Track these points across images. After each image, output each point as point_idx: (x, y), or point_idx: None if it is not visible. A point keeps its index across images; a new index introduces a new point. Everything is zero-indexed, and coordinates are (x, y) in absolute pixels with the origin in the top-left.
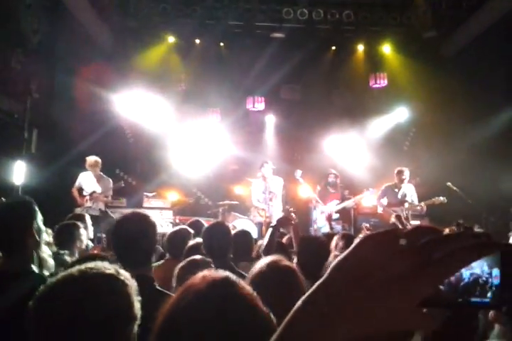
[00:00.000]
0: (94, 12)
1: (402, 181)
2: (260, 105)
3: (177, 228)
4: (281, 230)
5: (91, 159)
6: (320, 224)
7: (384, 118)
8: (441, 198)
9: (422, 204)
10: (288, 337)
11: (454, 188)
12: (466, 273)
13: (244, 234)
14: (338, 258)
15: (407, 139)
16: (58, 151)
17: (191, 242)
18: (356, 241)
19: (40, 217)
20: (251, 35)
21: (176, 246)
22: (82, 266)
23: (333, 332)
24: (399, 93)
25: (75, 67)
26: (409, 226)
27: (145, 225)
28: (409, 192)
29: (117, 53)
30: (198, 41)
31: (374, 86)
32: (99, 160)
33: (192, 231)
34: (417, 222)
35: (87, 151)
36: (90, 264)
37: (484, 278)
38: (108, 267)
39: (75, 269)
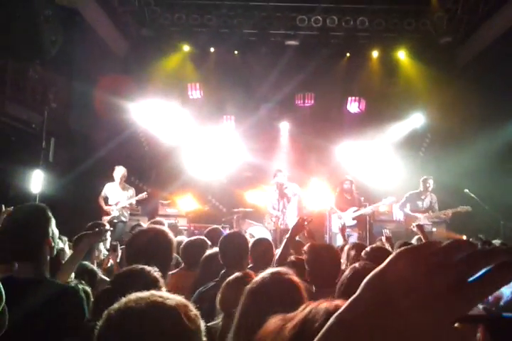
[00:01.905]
0: (110, 22)
1: (427, 189)
2: (275, 112)
3: (193, 238)
4: (298, 239)
5: (120, 169)
6: (336, 231)
7: (399, 125)
8: (467, 207)
9: (449, 211)
10: None
11: (472, 195)
12: (506, 291)
13: (264, 242)
14: (372, 273)
15: (422, 145)
16: (75, 160)
17: (208, 252)
18: (391, 256)
19: (54, 223)
20: (265, 43)
21: (191, 257)
22: (148, 297)
23: None
24: (414, 99)
25: (92, 77)
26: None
27: (160, 240)
28: (433, 200)
29: (133, 62)
30: (212, 50)
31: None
32: (125, 171)
33: (209, 242)
34: (434, 229)
35: (104, 160)
36: (159, 294)
37: None
38: (178, 301)
39: (139, 299)
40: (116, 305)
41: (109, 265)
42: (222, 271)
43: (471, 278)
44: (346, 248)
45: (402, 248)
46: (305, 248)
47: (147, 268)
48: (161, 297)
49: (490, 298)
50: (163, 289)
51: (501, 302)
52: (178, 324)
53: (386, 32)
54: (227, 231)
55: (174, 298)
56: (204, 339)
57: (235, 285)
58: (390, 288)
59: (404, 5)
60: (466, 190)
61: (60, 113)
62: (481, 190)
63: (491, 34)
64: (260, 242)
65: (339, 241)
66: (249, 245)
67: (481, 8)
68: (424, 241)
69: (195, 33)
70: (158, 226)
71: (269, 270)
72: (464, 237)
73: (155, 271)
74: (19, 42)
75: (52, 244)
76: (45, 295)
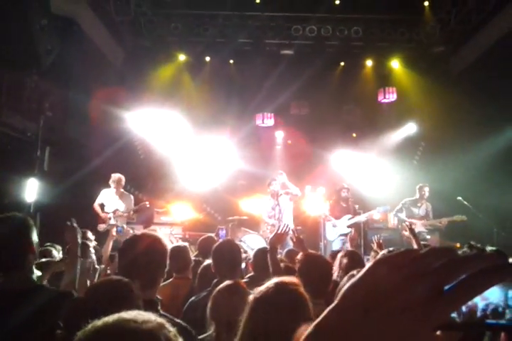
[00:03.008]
0: (107, 32)
1: (423, 197)
2: (269, 121)
3: (174, 245)
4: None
5: (116, 176)
6: (330, 238)
7: (393, 133)
8: (462, 216)
9: (444, 220)
10: None
11: (465, 203)
12: (481, 303)
13: (265, 251)
14: (350, 282)
15: (416, 154)
16: (70, 169)
17: (207, 262)
18: (368, 265)
19: (35, 231)
20: (260, 53)
21: (180, 263)
22: (122, 318)
23: None
24: (408, 108)
25: (88, 86)
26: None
27: (153, 249)
28: (429, 208)
29: (130, 72)
30: (208, 59)
31: (383, 101)
32: (123, 178)
33: (187, 245)
34: (428, 237)
35: (99, 169)
36: (130, 315)
37: (502, 307)
38: (155, 323)
39: (111, 321)
40: (80, 335)
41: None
42: (215, 280)
43: (448, 286)
44: (339, 255)
45: (379, 257)
46: (298, 257)
47: (124, 280)
48: (134, 321)
49: (464, 309)
50: (140, 302)
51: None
52: None
53: (380, 41)
54: (223, 232)
55: (149, 320)
56: None
57: (225, 293)
58: (367, 297)
59: (398, 15)
60: (459, 198)
61: (56, 122)
62: (474, 197)
63: (483, 43)
64: (262, 251)
65: (335, 248)
66: (251, 254)
67: (473, 17)
68: (415, 243)
69: (191, 43)
70: (152, 233)
71: (274, 279)
72: (458, 245)
73: (131, 282)
74: (15, 52)
75: (36, 252)
76: (43, 300)
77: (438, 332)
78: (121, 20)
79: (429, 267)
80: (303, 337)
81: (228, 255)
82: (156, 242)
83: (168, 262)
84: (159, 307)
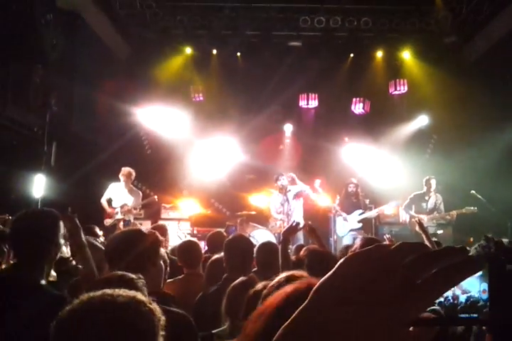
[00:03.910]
0: (112, 25)
1: (430, 189)
2: (278, 114)
3: (183, 241)
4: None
5: (126, 169)
6: (341, 234)
7: (404, 126)
8: (473, 208)
9: (454, 213)
10: None
11: (478, 196)
12: (462, 297)
13: (269, 246)
14: (322, 279)
15: (428, 147)
16: (77, 164)
17: (216, 256)
18: (340, 261)
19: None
20: (268, 45)
21: (190, 258)
22: (99, 296)
23: None
24: (419, 100)
25: (94, 80)
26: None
27: (130, 238)
28: (438, 200)
29: (135, 65)
30: (215, 52)
31: (394, 92)
32: (133, 172)
33: (196, 240)
34: (440, 231)
35: (106, 164)
36: (111, 292)
37: (476, 298)
38: (129, 297)
39: (97, 296)
40: (67, 307)
41: None
42: (225, 275)
43: (420, 280)
44: (351, 250)
45: (351, 253)
46: (303, 252)
47: (129, 275)
48: (111, 295)
49: (446, 302)
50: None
51: (458, 308)
52: (127, 323)
53: (390, 32)
54: (233, 229)
55: (127, 295)
56: (162, 333)
57: (241, 289)
58: (339, 293)
59: (408, 5)
60: (473, 191)
61: (62, 117)
62: (488, 190)
63: (496, 33)
64: (265, 246)
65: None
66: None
67: (485, 7)
68: (426, 239)
69: (198, 36)
70: (134, 228)
71: (284, 273)
72: (471, 239)
73: (138, 278)
74: (20, 47)
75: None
76: (38, 303)
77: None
78: (126, 13)
79: (401, 262)
80: (279, 332)
81: (240, 250)
82: (134, 232)
83: (163, 252)
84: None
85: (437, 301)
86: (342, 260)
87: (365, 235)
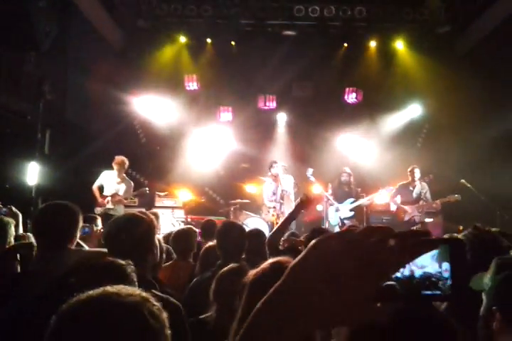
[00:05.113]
0: (106, 13)
1: (414, 179)
2: (272, 103)
3: (181, 228)
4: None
5: (119, 158)
6: (333, 222)
7: (397, 115)
8: (456, 195)
9: (438, 201)
10: (249, 336)
11: (468, 185)
12: (418, 271)
13: (255, 233)
14: (294, 261)
15: (420, 136)
16: (71, 152)
17: (209, 243)
18: (310, 243)
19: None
20: (262, 34)
21: (182, 246)
22: (106, 291)
23: (290, 330)
24: (412, 89)
25: (88, 68)
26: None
27: (138, 223)
28: (423, 189)
29: (129, 53)
30: (209, 40)
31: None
32: (127, 161)
33: (197, 230)
34: (430, 220)
35: (100, 151)
36: (115, 289)
37: (436, 277)
38: (138, 296)
39: (95, 294)
40: (64, 307)
41: None
42: (219, 262)
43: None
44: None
45: (322, 236)
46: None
47: (118, 261)
48: (117, 294)
49: (404, 277)
50: (135, 284)
51: (413, 281)
52: (142, 324)
53: (384, 22)
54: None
55: (133, 294)
56: (168, 332)
57: (229, 276)
58: (309, 273)
59: None
60: (463, 181)
61: (56, 104)
62: (478, 180)
63: (489, 23)
64: (252, 233)
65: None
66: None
67: None
68: None
69: (192, 24)
70: (133, 212)
71: (269, 260)
72: (461, 227)
73: (128, 264)
74: (13, 34)
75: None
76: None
77: (378, 304)
78: (120, 1)
79: (365, 242)
80: (255, 309)
81: (232, 237)
82: (138, 220)
83: (156, 240)
84: (157, 287)
85: (394, 276)
86: (313, 242)
87: (357, 224)
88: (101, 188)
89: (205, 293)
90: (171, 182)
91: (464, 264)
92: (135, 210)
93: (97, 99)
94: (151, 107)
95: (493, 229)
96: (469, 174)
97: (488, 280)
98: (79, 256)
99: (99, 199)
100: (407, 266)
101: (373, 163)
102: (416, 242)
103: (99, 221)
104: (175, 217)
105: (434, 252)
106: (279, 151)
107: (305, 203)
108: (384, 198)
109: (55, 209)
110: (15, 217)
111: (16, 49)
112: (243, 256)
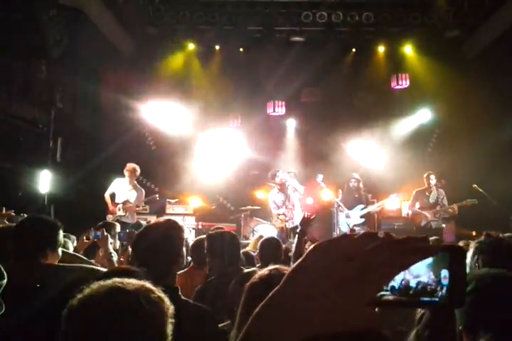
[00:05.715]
0: (115, 21)
1: (430, 185)
2: (281, 109)
3: (201, 237)
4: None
5: (130, 165)
6: (343, 229)
7: (407, 120)
8: (473, 200)
9: (455, 206)
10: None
11: (480, 190)
12: (413, 281)
13: (271, 241)
14: (292, 267)
15: (431, 141)
16: (83, 159)
17: (196, 238)
18: (308, 250)
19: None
20: (271, 40)
21: (200, 255)
22: (109, 284)
23: (289, 334)
24: (421, 94)
25: (98, 76)
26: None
27: (169, 234)
28: (440, 195)
29: (139, 61)
30: (218, 47)
31: (396, 87)
32: (138, 169)
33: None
34: (444, 225)
35: (111, 159)
36: (121, 280)
37: (432, 287)
38: (139, 285)
39: (107, 283)
40: (78, 295)
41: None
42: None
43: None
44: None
45: (317, 242)
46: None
47: (132, 268)
48: (121, 282)
49: (399, 286)
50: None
51: (409, 292)
52: (136, 308)
53: (392, 26)
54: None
55: (137, 283)
56: (170, 320)
57: (238, 284)
58: (309, 277)
59: None
60: (475, 185)
61: (67, 112)
62: (489, 184)
63: (498, 27)
64: (268, 241)
65: None
66: (258, 245)
67: (487, 0)
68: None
69: (200, 31)
70: (172, 219)
71: (269, 267)
72: (474, 233)
73: (142, 271)
74: (24, 43)
75: None
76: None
77: (376, 310)
78: (129, 8)
79: (362, 248)
80: (254, 314)
81: (226, 244)
82: (171, 229)
83: (184, 251)
84: (180, 293)
85: (389, 286)
86: (310, 248)
87: (368, 230)
88: (113, 196)
89: (210, 300)
90: (182, 189)
91: (464, 272)
92: (147, 217)
93: (108, 107)
94: (161, 114)
95: (506, 235)
96: (481, 179)
97: None
98: (53, 271)
99: (111, 207)
100: (401, 274)
101: (384, 168)
102: (414, 248)
103: (118, 227)
104: (186, 224)
105: (430, 260)
106: (289, 157)
107: (305, 221)
108: (395, 204)
109: (30, 222)
110: None
111: (27, 57)
112: (259, 264)
